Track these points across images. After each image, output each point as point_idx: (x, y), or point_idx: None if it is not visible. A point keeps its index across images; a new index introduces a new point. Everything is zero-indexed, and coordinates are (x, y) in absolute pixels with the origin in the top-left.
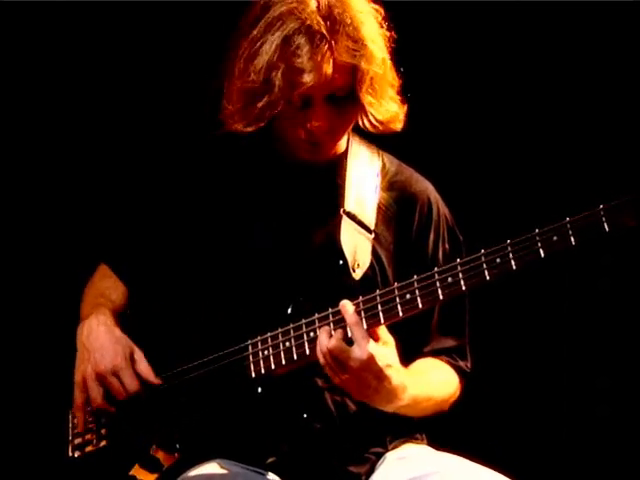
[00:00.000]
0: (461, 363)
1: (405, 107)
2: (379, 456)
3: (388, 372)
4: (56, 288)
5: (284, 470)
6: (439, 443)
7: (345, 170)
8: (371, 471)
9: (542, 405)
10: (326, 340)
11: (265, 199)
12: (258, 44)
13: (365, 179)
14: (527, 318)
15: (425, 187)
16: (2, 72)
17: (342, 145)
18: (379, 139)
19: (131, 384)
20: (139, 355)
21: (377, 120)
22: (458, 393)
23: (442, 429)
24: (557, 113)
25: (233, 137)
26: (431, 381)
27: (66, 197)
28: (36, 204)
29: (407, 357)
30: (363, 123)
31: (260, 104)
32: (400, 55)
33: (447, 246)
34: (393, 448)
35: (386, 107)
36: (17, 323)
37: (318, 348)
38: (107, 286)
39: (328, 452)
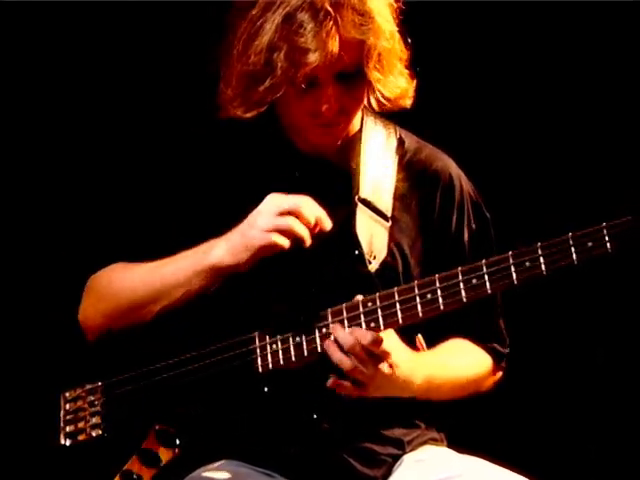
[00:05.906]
0: (495, 345)
1: (414, 82)
2: (396, 458)
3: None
4: (47, 277)
5: (294, 472)
6: (460, 445)
7: (359, 153)
8: (388, 474)
9: (569, 406)
10: (362, 334)
11: (277, 189)
12: (258, 23)
13: (381, 161)
14: (557, 320)
15: (446, 164)
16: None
17: (355, 125)
18: (398, 116)
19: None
20: None
21: (385, 97)
22: (497, 374)
23: (463, 430)
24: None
25: (243, 128)
26: (449, 362)
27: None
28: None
29: (436, 341)
30: (369, 101)
31: (262, 87)
32: (409, 26)
33: (474, 226)
34: (411, 450)
35: (394, 83)
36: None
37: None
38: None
39: (340, 454)
